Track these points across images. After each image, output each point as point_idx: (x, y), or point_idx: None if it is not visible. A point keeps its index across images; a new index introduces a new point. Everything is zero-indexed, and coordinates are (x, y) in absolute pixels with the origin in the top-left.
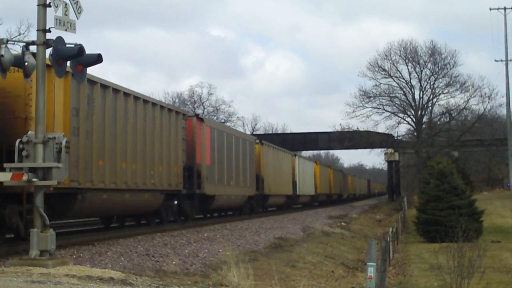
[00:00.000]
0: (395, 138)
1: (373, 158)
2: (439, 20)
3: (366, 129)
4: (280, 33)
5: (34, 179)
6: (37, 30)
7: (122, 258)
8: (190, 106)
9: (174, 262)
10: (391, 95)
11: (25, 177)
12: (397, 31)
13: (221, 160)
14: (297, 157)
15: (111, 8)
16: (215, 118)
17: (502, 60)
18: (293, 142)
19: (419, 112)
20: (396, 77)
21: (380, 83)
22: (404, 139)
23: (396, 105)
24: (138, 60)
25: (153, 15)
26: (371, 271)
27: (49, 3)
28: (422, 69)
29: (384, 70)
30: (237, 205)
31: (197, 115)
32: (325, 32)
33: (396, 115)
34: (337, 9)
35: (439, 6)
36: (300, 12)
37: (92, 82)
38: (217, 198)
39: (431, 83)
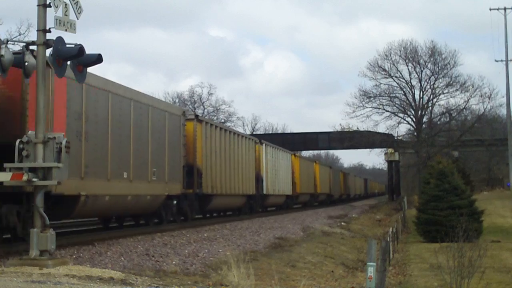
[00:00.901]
0: (395, 138)
1: (373, 158)
2: (438, 21)
3: (366, 129)
4: (279, 33)
5: (34, 179)
6: (37, 30)
7: (122, 258)
8: (190, 106)
9: (174, 262)
10: (391, 95)
11: (25, 177)
12: (395, 31)
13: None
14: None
15: (109, 9)
16: (215, 118)
17: (502, 60)
18: (293, 142)
19: (419, 112)
20: (396, 77)
21: (380, 83)
22: (404, 139)
23: (396, 105)
24: (137, 60)
25: (152, 16)
26: (371, 271)
27: (49, 3)
28: (422, 69)
29: (384, 70)
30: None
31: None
32: (323, 32)
33: (396, 115)
34: (336, 10)
35: (438, 6)
36: (299, 13)
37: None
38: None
39: (431, 83)
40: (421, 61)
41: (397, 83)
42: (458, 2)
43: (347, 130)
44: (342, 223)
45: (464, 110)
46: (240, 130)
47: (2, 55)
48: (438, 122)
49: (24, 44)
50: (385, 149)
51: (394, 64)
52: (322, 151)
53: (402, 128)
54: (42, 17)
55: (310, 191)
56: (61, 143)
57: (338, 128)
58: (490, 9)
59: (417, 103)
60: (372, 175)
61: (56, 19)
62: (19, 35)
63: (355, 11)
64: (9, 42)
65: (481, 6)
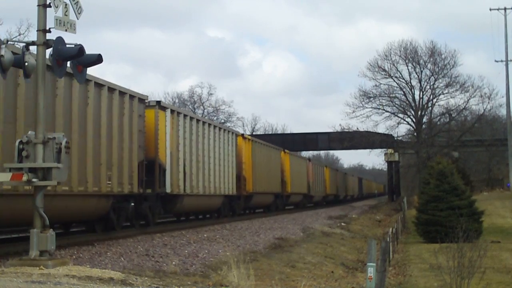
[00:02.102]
0: (395, 138)
1: (373, 159)
2: (436, 21)
3: (366, 130)
4: (277, 33)
5: (34, 180)
6: (37, 31)
7: (122, 259)
8: (190, 107)
9: (174, 263)
10: (391, 95)
11: (25, 177)
12: (394, 31)
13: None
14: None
15: (107, 9)
16: (215, 118)
17: (502, 61)
18: (293, 142)
19: (419, 113)
20: (396, 77)
21: (380, 84)
22: (404, 140)
23: (396, 105)
24: (136, 60)
25: (150, 17)
26: (371, 271)
27: (49, 3)
28: (422, 69)
29: (384, 70)
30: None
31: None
32: (322, 33)
33: (396, 116)
34: (334, 10)
35: (436, 7)
36: (297, 13)
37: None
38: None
39: (431, 84)
40: (421, 61)
41: (397, 83)
42: (457, 3)
43: (347, 130)
44: (342, 224)
45: (464, 110)
46: (240, 130)
47: (2, 55)
48: (438, 123)
49: (24, 44)
50: (385, 149)
51: (394, 64)
52: (322, 152)
53: (402, 129)
54: (42, 17)
55: (272, 189)
56: (61, 143)
57: (338, 129)
58: (490, 9)
59: (417, 103)
60: (372, 175)
61: (56, 19)
62: (19, 35)
63: (353, 12)
64: (9, 42)
65: (480, 6)
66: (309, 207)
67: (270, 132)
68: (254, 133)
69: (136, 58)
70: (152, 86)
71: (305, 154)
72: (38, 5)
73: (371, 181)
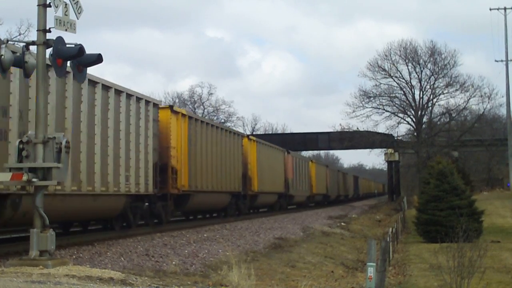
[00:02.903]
0: (395, 138)
1: (373, 158)
2: (434, 21)
3: (366, 129)
4: (276, 34)
5: (34, 179)
6: (37, 30)
7: (122, 258)
8: (190, 106)
9: (174, 262)
10: (391, 95)
11: (25, 177)
12: (392, 32)
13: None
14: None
15: (106, 10)
16: (215, 118)
17: (502, 61)
18: (293, 142)
19: (419, 112)
20: (396, 77)
21: (380, 83)
22: (404, 139)
23: (396, 105)
24: (136, 60)
25: (149, 17)
26: (371, 271)
27: (49, 3)
28: (422, 69)
29: (384, 70)
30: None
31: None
32: (320, 33)
33: (396, 115)
34: (332, 10)
35: (434, 7)
36: (296, 13)
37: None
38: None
39: (431, 83)
40: (421, 61)
41: (397, 83)
42: (455, 3)
43: (347, 130)
44: (342, 223)
45: (464, 110)
46: (240, 130)
47: (2, 55)
48: (438, 122)
49: (24, 44)
50: (385, 149)
51: (394, 64)
52: (322, 152)
53: (402, 128)
54: (42, 17)
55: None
56: (61, 143)
57: (338, 128)
58: (490, 9)
59: (417, 103)
60: (372, 175)
61: (56, 19)
62: (19, 35)
63: (351, 12)
64: (9, 42)
65: (478, 7)
66: (290, 208)
67: (270, 132)
68: (254, 133)
69: (135, 58)
70: (151, 86)
71: (305, 154)
72: (38, 5)
73: (369, 180)
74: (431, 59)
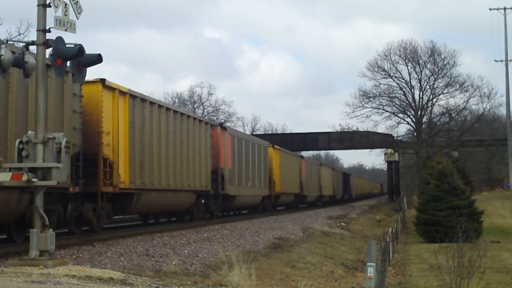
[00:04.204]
0: (395, 138)
1: (373, 159)
2: (432, 22)
3: (366, 129)
4: (274, 34)
5: (34, 179)
6: (37, 30)
7: (122, 258)
8: (190, 106)
9: (174, 262)
10: (391, 95)
11: (25, 177)
12: (390, 32)
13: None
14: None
15: (104, 10)
16: (215, 118)
17: (502, 61)
18: (293, 142)
19: (419, 112)
20: (396, 77)
21: (380, 83)
22: (404, 139)
23: (396, 105)
24: (134, 61)
25: (147, 17)
26: (370, 271)
27: (49, 3)
28: (421, 69)
29: (384, 70)
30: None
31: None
32: (318, 33)
33: (396, 115)
34: (330, 11)
35: (432, 7)
36: (293, 14)
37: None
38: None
39: (431, 83)
40: (421, 61)
41: (397, 83)
42: (453, 4)
43: (347, 130)
44: (342, 224)
45: (464, 110)
46: (240, 130)
47: (2, 55)
48: (438, 122)
49: (24, 44)
50: (384, 149)
51: (393, 64)
52: (322, 152)
53: (402, 128)
54: (42, 17)
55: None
56: (60, 143)
57: (338, 128)
58: (490, 9)
59: (416, 103)
60: (371, 175)
61: (56, 19)
62: (19, 35)
63: (348, 13)
64: (9, 42)
65: (476, 7)
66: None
67: (270, 132)
68: (254, 133)
69: (134, 59)
70: (151, 86)
71: (305, 154)
72: (38, 5)
73: (366, 179)
74: (431, 59)
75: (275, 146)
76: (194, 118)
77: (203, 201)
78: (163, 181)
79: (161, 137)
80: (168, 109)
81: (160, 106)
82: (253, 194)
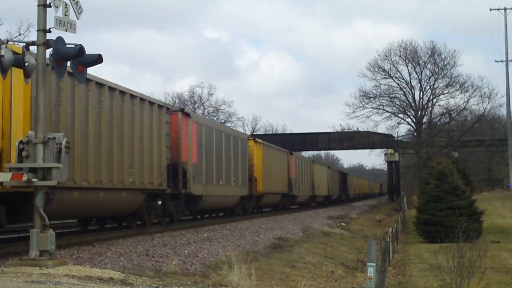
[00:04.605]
0: (395, 138)
1: (373, 159)
2: (431, 22)
3: (366, 130)
4: (274, 34)
5: (34, 180)
6: (37, 31)
7: (122, 258)
8: (191, 107)
9: (174, 262)
10: (391, 95)
11: (25, 177)
12: (389, 32)
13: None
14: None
15: (104, 10)
16: (215, 118)
17: (502, 61)
18: (293, 142)
19: (419, 113)
20: (396, 77)
21: (380, 84)
22: (404, 140)
23: (396, 105)
24: (134, 61)
25: (147, 18)
26: (371, 271)
27: (49, 3)
28: (422, 69)
29: (384, 70)
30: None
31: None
32: (318, 34)
33: (396, 116)
34: (329, 11)
35: (431, 8)
36: (293, 14)
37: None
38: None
39: (431, 84)
40: (421, 61)
41: (397, 84)
42: (452, 4)
43: (347, 130)
44: (342, 224)
45: (464, 110)
46: (240, 130)
47: (2, 55)
48: (438, 123)
49: (24, 44)
50: (385, 149)
51: (394, 65)
52: (322, 152)
53: (402, 129)
54: (42, 17)
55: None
56: (61, 143)
57: (338, 129)
58: (490, 9)
59: (417, 103)
60: (372, 175)
61: (56, 19)
62: (19, 35)
63: (348, 13)
64: (9, 42)
65: (475, 8)
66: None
67: (270, 132)
68: (254, 133)
69: (134, 59)
70: (151, 87)
71: (305, 154)
72: (38, 5)
73: (364, 179)
74: (431, 59)
75: (257, 139)
76: (142, 99)
77: (159, 202)
78: (90, 178)
79: (89, 121)
80: (100, 84)
81: (88, 80)
82: (227, 194)
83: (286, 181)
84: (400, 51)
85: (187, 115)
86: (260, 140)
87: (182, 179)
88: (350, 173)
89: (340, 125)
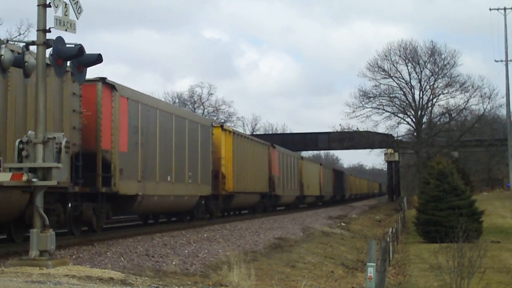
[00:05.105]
0: (395, 138)
1: (373, 159)
2: (430, 22)
3: (366, 129)
4: (273, 34)
5: (34, 179)
6: (37, 30)
7: (122, 258)
8: (190, 106)
9: (174, 262)
10: (391, 95)
11: (25, 177)
12: (388, 33)
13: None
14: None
15: (103, 11)
16: (215, 118)
17: (502, 61)
18: (293, 142)
19: (419, 113)
20: (396, 77)
21: (380, 84)
22: (404, 140)
23: (396, 105)
24: (133, 61)
25: (146, 18)
26: (371, 271)
27: (49, 3)
28: (422, 69)
29: (384, 70)
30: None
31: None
32: (317, 34)
33: (396, 116)
34: (328, 11)
35: (430, 8)
36: (292, 14)
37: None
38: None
39: (431, 83)
40: (421, 61)
41: (397, 83)
42: (451, 4)
43: (347, 130)
44: (342, 224)
45: (464, 110)
46: (240, 130)
47: (2, 55)
48: (438, 123)
49: (24, 44)
50: (384, 149)
51: (393, 64)
52: (322, 152)
53: (402, 129)
54: (42, 17)
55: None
56: (60, 143)
57: (338, 128)
58: (490, 9)
59: (417, 103)
60: (371, 175)
61: (56, 19)
62: (19, 35)
63: (347, 13)
64: (9, 42)
65: (475, 8)
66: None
67: (270, 132)
68: (254, 133)
69: (133, 59)
70: (150, 87)
71: (305, 154)
72: (38, 5)
73: (363, 178)
74: (431, 59)
75: (226, 126)
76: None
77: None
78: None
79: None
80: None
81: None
82: (179, 193)
83: (267, 178)
84: (400, 51)
85: (111, 87)
86: (231, 129)
87: (101, 173)
88: (346, 172)
89: (340, 125)
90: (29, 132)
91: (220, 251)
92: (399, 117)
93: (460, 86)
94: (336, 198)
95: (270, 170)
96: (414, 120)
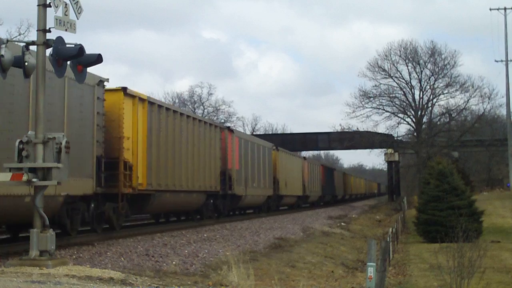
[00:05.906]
0: (395, 138)
1: (373, 159)
2: (429, 23)
3: (366, 130)
4: (272, 35)
5: (34, 179)
6: (37, 30)
7: (122, 258)
8: (190, 106)
9: (174, 262)
10: (391, 95)
11: (25, 177)
12: (387, 33)
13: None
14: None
15: (102, 11)
16: (215, 118)
17: (502, 61)
18: (293, 142)
19: (419, 113)
20: (396, 77)
21: (380, 84)
22: (404, 140)
23: (396, 105)
24: (133, 61)
25: (145, 18)
26: (371, 271)
27: (49, 3)
28: (422, 69)
29: (384, 70)
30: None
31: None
32: (316, 34)
33: (396, 116)
34: (327, 12)
35: (429, 8)
36: (290, 15)
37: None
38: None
39: (431, 84)
40: (421, 61)
41: (397, 83)
42: (450, 5)
43: (347, 130)
44: (342, 224)
45: (464, 110)
46: (240, 130)
47: (2, 55)
48: (438, 123)
49: (24, 44)
50: (384, 149)
51: (394, 64)
52: (322, 152)
53: (402, 129)
54: (42, 17)
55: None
56: (61, 143)
57: (338, 129)
58: (490, 9)
59: (417, 103)
60: (372, 175)
61: (56, 19)
62: (19, 35)
63: (346, 13)
64: (9, 42)
65: (474, 8)
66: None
67: (270, 132)
68: (254, 133)
69: (132, 59)
70: (149, 87)
71: (305, 154)
72: (38, 5)
73: (359, 177)
74: (431, 59)
75: (135, 92)
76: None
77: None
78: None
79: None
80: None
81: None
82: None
83: (218, 173)
84: (400, 51)
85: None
86: (145, 96)
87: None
88: (338, 169)
89: (340, 125)
90: (29, 132)
91: (220, 251)
92: (399, 117)
93: (460, 86)
94: (325, 199)
95: (224, 162)
96: (414, 120)
